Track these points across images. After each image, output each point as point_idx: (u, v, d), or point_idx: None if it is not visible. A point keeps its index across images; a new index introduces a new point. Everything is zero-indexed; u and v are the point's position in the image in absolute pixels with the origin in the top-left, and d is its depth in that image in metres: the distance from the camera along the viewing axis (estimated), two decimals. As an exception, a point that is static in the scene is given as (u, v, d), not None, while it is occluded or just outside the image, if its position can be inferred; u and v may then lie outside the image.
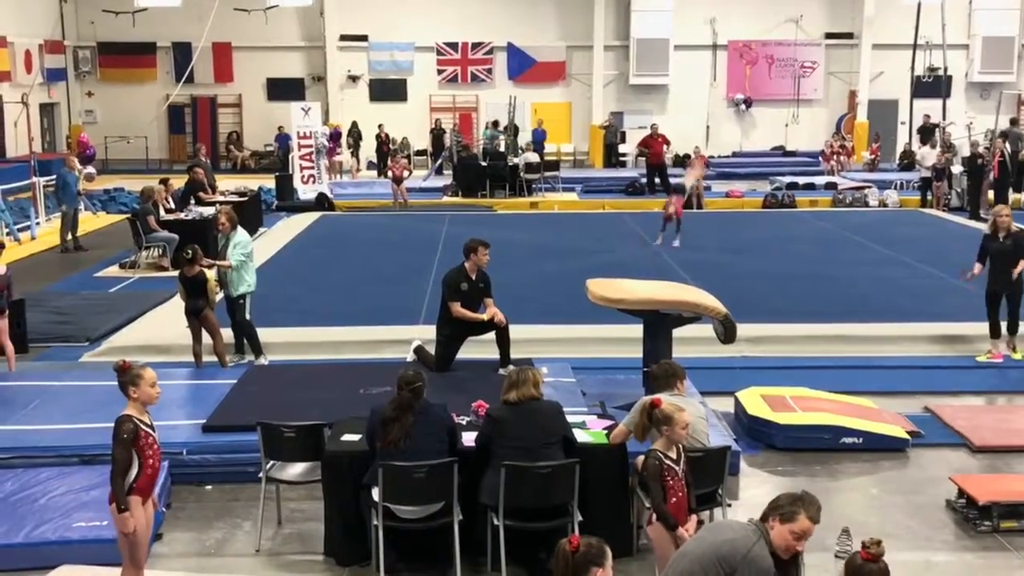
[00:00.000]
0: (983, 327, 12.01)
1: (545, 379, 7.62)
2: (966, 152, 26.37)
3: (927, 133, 30.37)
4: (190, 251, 11.04)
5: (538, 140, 30.45)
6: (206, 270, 11.13)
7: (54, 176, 21.30)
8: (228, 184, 23.80)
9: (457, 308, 9.78)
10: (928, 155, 25.58)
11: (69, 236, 19.74)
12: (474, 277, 9.91)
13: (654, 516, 6.06)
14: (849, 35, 34.45)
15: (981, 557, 7.37)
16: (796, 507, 4.83)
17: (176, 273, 16.14)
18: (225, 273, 11.32)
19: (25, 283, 15.45)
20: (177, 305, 13.89)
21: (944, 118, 30.10)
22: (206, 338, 11.16)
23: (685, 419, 6.26)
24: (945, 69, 31.26)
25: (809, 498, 4.93)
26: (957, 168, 24.98)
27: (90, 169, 27.61)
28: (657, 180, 27.18)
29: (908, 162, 30.63)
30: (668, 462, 6.12)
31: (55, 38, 32.67)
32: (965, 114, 32.69)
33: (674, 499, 6.07)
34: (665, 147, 27.82)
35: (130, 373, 6.06)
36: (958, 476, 8.33)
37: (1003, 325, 11.92)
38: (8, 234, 20.38)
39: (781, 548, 4.83)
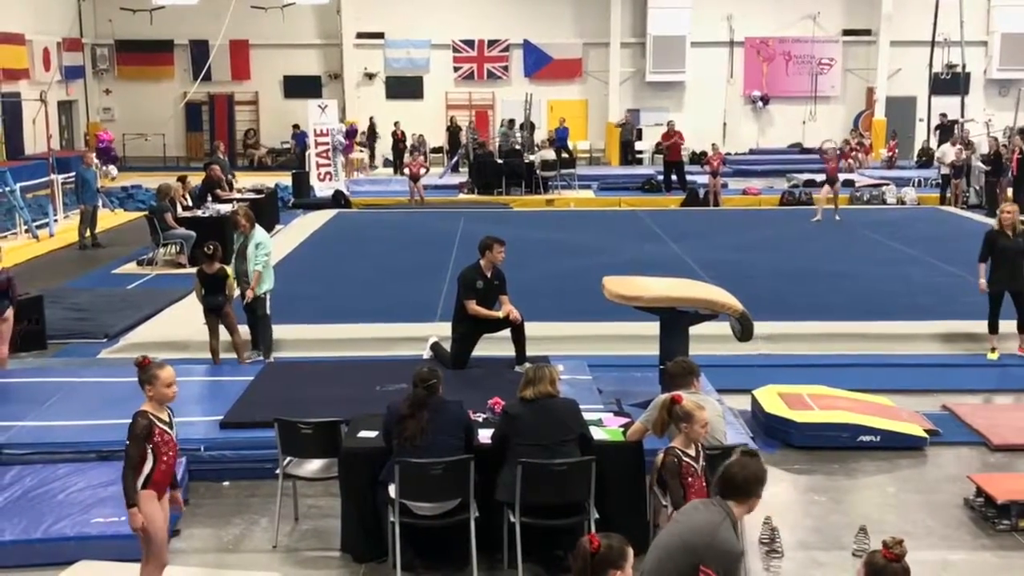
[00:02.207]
0: (1001, 325, 11.94)
1: (561, 376, 7.62)
2: (984, 149, 26.24)
3: (945, 130, 30.24)
4: (211, 247, 11.05)
5: (561, 138, 30.49)
6: (226, 267, 11.13)
7: (72, 173, 21.41)
8: (245, 181, 23.87)
9: (472, 306, 9.78)
10: (947, 152, 25.47)
11: (87, 233, 19.85)
12: (489, 275, 9.91)
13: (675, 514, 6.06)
14: (867, 32, 34.33)
15: (999, 556, 7.32)
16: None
17: (193, 270, 16.36)
18: (245, 271, 11.32)
19: (43, 280, 15.57)
20: (194, 302, 13.95)
21: (963, 115, 29.95)
22: (223, 334, 11.18)
23: (705, 417, 6.26)
24: (963, 66, 31.10)
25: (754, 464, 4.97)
26: (977, 165, 24.84)
27: (112, 169, 27.82)
28: (674, 177, 27.15)
29: (926, 159, 30.51)
30: (687, 460, 6.11)
31: (73, 36, 32.85)
32: (984, 111, 32.51)
33: (694, 497, 6.06)
34: (680, 144, 27.71)
35: (148, 371, 6.06)
36: (976, 475, 8.29)
37: (1002, 324, 11.88)
38: (27, 231, 20.53)
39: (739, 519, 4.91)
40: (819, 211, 21.79)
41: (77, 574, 6.60)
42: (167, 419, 6.11)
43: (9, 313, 10.92)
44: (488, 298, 9.93)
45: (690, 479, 6.08)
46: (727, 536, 4.68)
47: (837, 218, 21.74)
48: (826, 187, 22.11)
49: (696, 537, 4.71)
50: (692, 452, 6.16)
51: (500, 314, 9.85)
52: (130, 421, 5.99)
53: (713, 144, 27.03)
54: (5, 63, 27.76)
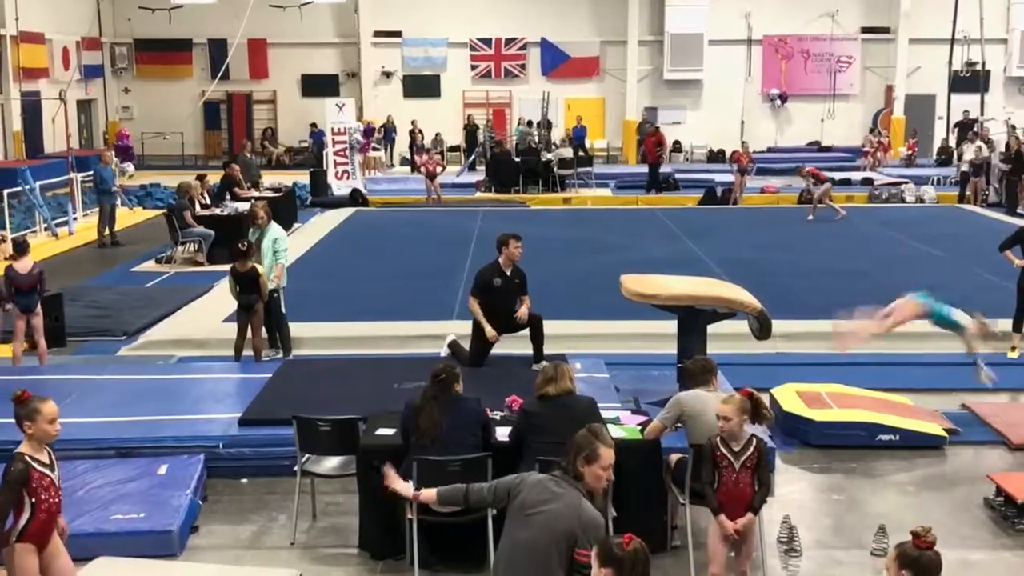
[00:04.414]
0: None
1: (578, 375, 7.60)
2: (1003, 148, 26.11)
3: (965, 129, 30.09)
4: (245, 244, 11.05)
5: (578, 137, 30.44)
6: (258, 265, 11.14)
7: (91, 172, 21.51)
8: (263, 179, 23.90)
9: (473, 304, 9.83)
10: (967, 150, 25.35)
11: (106, 231, 19.94)
12: (509, 273, 9.90)
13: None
14: (886, 29, 34.16)
15: (1019, 556, 7.28)
16: (594, 443, 4.87)
17: (211, 267, 16.41)
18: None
19: (63, 278, 15.64)
20: (212, 299, 14.04)
21: (982, 113, 29.77)
22: (249, 333, 11.19)
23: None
24: (983, 64, 30.92)
25: (595, 429, 5.00)
26: (997, 162, 24.68)
27: (128, 167, 27.90)
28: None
29: (945, 158, 30.36)
30: (723, 450, 6.10)
31: (92, 35, 33.02)
32: (1003, 109, 32.33)
33: (724, 489, 6.07)
34: (658, 147, 27.38)
35: (28, 406, 5.37)
36: (996, 474, 8.24)
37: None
38: (46, 229, 20.64)
39: (596, 487, 4.90)
40: (838, 209, 21.69)
41: (96, 571, 6.61)
42: (47, 460, 5.49)
43: (39, 307, 11.05)
44: (508, 297, 9.92)
45: (724, 470, 6.07)
46: (590, 508, 4.69)
47: (811, 217, 21.58)
48: (824, 186, 22.02)
49: (563, 524, 4.66)
50: (736, 447, 6.12)
51: (492, 334, 9.81)
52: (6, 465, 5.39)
53: (743, 142, 27.03)
54: (25, 62, 27.93)
